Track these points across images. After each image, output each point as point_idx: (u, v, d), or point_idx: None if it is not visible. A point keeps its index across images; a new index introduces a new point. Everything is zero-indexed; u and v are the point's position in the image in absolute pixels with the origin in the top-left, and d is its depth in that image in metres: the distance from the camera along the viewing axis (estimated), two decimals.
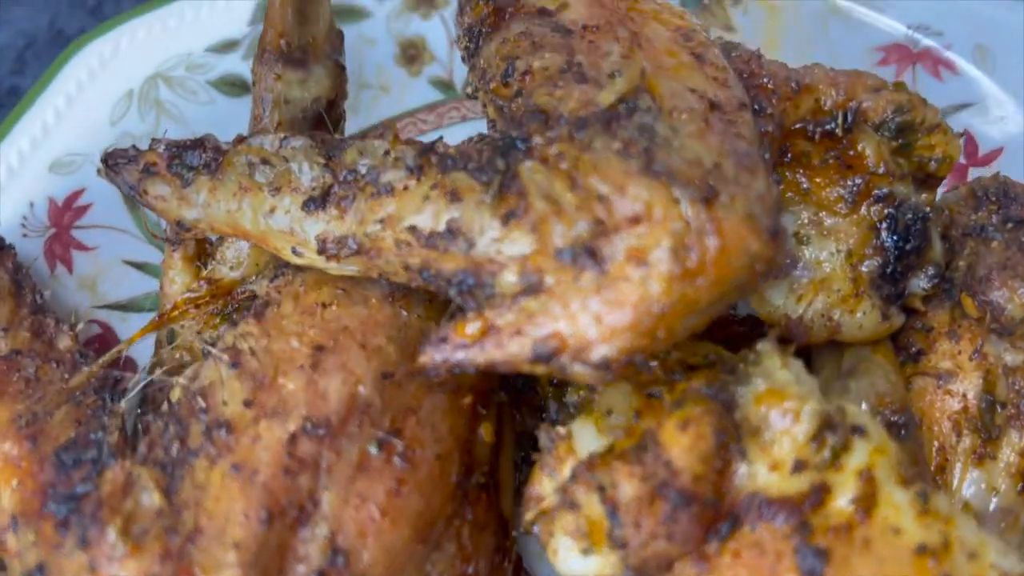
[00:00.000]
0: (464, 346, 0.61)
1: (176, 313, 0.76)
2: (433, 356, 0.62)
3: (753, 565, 0.57)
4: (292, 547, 0.61)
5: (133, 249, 0.87)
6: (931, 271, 0.73)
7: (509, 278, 0.61)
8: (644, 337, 0.57)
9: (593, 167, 0.59)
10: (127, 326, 0.85)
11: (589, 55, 0.68)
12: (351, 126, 1.02)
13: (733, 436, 0.59)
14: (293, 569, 0.61)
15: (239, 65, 0.94)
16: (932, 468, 0.71)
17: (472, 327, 0.61)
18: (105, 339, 0.84)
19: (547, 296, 0.59)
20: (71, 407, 0.66)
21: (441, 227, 0.63)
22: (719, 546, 0.58)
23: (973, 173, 0.92)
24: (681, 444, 0.58)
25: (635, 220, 0.57)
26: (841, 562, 0.55)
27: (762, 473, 0.58)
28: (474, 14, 0.79)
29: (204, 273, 0.77)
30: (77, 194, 0.87)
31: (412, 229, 0.64)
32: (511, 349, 0.60)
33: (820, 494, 0.57)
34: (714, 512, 0.58)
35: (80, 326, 0.75)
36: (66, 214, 0.85)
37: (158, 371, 0.69)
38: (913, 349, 0.75)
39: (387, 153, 0.66)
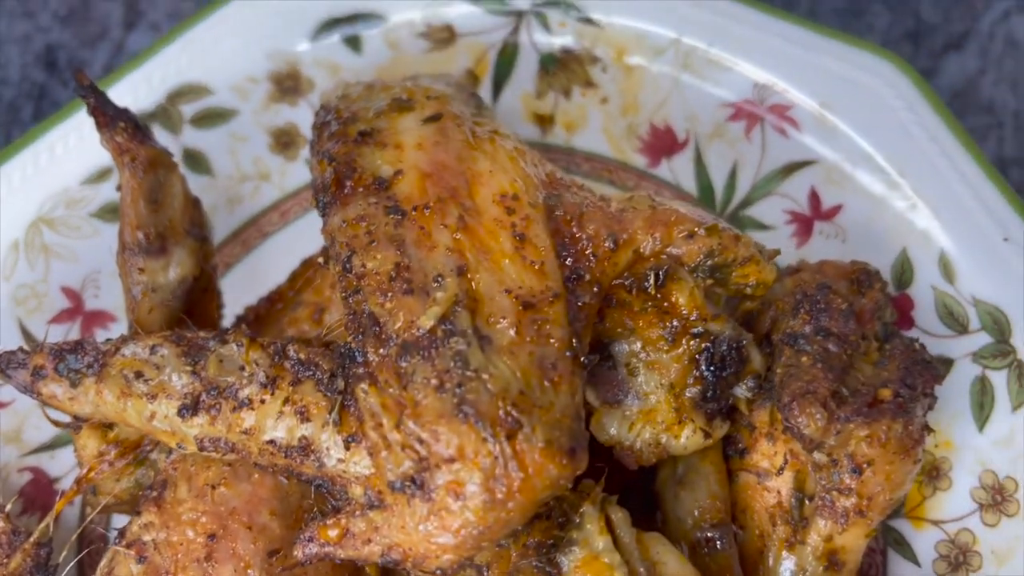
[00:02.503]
0: (328, 545, 0.72)
1: (92, 475, 0.86)
2: (303, 551, 0.73)
3: None
4: None
5: None
6: (751, 382, 0.82)
7: (357, 491, 0.71)
8: (470, 551, 0.68)
9: (414, 407, 0.67)
10: (56, 462, 0.95)
11: (418, 249, 0.74)
12: (237, 217, 1.07)
13: None
14: None
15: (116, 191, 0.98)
16: (752, 552, 0.84)
17: (332, 532, 0.72)
18: (39, 483, 0.94)
19: (388, 513, 0.69)
20: None
21: (295, 442, 0.72)
22: None
23: (818, 226, 0.99)
24: None
25: (451, 459, 0.66)
26: None
27: None
28: (319, 170, 0.83)
29: (111, 435, 0.86)
30: None
31: (271, 442, 0.73)
32: (365, 553, 0.71)
33: None
34: None
35: (10, 503, 0.85)
36: None
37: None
38: (740, 445, 0.85)
39: (242, 368, 0.74)
